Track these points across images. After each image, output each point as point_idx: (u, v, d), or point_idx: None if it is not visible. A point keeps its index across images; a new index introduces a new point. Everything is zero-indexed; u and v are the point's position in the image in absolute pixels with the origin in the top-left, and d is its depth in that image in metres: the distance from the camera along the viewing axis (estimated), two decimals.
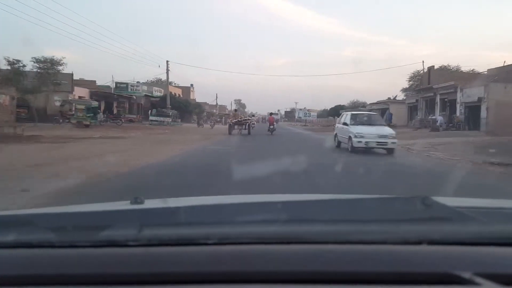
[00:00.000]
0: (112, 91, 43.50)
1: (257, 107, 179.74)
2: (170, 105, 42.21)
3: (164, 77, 43.90)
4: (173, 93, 54.04)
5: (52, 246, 0.92)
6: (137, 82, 48.22)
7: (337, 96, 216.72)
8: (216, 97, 73.55)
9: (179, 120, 43.06)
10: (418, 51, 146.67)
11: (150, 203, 1.41)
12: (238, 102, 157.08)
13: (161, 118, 38.53)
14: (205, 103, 76.46)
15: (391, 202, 1.21)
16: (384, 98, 44.67)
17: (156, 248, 0.90)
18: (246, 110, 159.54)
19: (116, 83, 45.74)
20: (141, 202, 1.29)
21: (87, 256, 0.89)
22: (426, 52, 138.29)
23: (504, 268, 0.84)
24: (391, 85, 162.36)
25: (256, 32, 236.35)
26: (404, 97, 44.50)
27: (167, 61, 43.82)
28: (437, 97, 31.88)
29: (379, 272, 0.82)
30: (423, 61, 73.85)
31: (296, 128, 45.78)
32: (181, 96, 60.50)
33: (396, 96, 44.45)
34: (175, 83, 76.28)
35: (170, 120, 38.54)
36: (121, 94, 42.87)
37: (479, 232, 0.99)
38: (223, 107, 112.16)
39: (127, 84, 44.97)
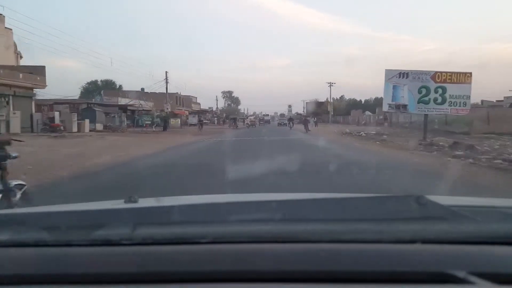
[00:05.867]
0: None
1: (256, 105, 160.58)
2: None
3: None
4: None
5: (46, 245, 0.92)
6: None
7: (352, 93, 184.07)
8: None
9: None
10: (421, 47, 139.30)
11: (144, 202, 1.42)
12: (227, 95, 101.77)
13: None
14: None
15: (385, 201, 1.19)
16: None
17: (150, 247, 0.89)
18: (239, 107, 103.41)
19: None
20: (135, 201, 1.31)
21: (82, 255, 0.89)
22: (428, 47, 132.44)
23: (499, 267, 0.84)
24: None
25: (258, 32, 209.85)
26: None
27: None
28: None
29: (373, 271, 0.82)
30: None
31: None
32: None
33: None
34: None
35: None
36: None
37: (474, 231, 0.98)
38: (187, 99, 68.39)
39: None
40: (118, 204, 1.35)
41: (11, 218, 1.21)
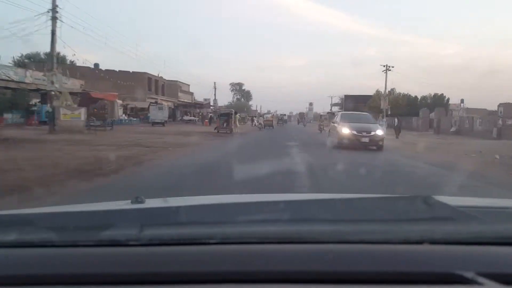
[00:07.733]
0: None
1: (270, 101, 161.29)
2: None
3: None
4: None
5: (53, 245, 0.92)
6: None
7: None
8: None
9: None
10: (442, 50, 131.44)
11: (151, 203, 1.42)
12: (236, 88, 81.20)
13: None
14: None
15: (393, 202, 1.19)
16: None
17: (157, 248, 0.90)
18: (250, 103, 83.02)
19: None
20: (142, 202, 1.31)
21: (89, 255, 0.89)
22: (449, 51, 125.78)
23: (507, 267, 0.83)
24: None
25: (278, 32, 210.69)
26: None
27: None
28: None
29: (381, 271, 0.82)
30: None
31: None
32: None
33: None
34: None
35: None
36: None
37: (482, 232, 0.98)
38: (171, 86, 34.37)
39: None
40: (124, 204, 1.34)
41: (18, 218, 1.21)
